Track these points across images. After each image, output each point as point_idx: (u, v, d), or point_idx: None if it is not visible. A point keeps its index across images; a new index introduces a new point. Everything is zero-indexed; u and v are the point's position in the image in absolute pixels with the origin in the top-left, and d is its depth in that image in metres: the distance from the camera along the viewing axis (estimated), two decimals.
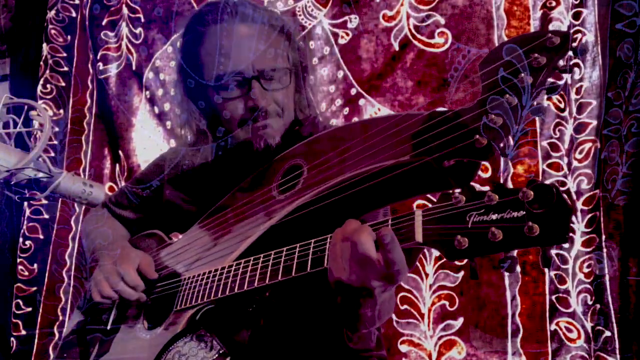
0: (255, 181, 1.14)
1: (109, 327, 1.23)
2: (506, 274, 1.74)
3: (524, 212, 0.64)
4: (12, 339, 2.23)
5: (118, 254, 1.23)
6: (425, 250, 1.79)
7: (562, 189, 0.64)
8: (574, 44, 0.66)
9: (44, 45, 2.39)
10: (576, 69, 1.68)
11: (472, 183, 0.74)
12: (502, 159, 1.69)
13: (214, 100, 1.17)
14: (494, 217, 0.67)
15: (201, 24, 1.16)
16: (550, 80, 0.70)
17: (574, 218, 1.66)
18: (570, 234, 1.63)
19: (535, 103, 0.69)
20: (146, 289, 1.19)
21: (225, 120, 1.18)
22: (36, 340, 2.21)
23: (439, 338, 1.78)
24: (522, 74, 0.70)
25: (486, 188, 0.70)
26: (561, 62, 0.70)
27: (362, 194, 0.90)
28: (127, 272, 1.15)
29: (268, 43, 1.12)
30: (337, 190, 0.92)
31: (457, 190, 0.72)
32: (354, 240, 0.79)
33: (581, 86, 1.73)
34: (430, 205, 0.77)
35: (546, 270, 1.70)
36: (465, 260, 0.71)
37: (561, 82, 0.70)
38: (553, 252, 1.70)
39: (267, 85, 1.14)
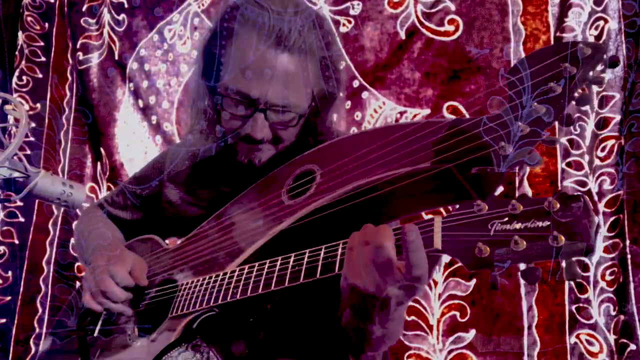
0: (263, 185, 1.12)
1: (95, 334, 1.20)
2: (522, 281, 1.70)
3: (549, 222, 0.65)
4: None
5: (117, 254, 1.20)
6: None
7: (582, 189, 0.64)
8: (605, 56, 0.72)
9: (20, 33, 2.33)
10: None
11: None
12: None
13: (214, 100, 1.12)
14: (517, 226, 0.67)
15: (232, 22, 1.08)
16: (579, 91, 0.71)
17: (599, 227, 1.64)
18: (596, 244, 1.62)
19: (565, 113, 0.72)
20: (136, 296, 1.16)
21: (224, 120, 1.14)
22: (11, 354, 2.16)
23: (449, 352, 1.74)
24: (552, 84, 0.72)
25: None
26: (591, 73, 0.71)
27: (378, 202, 0.88)
28: (117, 272, 1.13)
29: (293, 81, 1.05)
30: (351, 197, 0.90)
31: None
32: (376, 244, 0.77)
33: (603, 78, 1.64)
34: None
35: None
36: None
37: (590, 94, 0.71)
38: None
39: (271, 117, 1.08)
